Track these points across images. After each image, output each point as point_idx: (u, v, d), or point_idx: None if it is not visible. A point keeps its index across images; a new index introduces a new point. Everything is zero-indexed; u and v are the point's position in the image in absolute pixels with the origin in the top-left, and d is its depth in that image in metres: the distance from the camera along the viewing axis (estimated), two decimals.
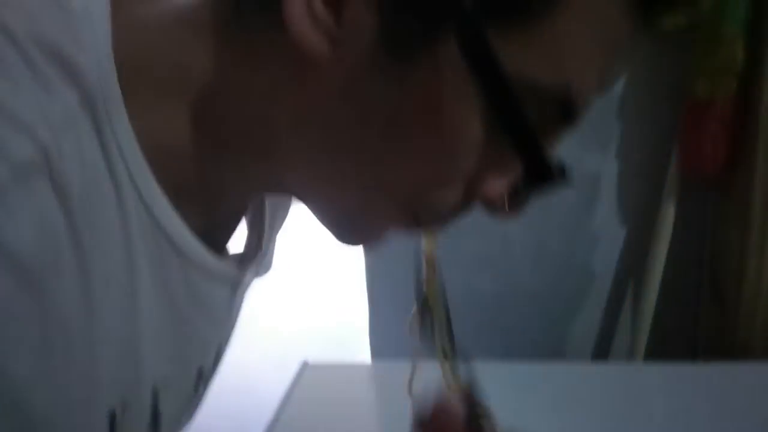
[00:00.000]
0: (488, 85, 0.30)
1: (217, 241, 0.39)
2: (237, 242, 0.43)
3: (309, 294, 2.66)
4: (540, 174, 0.33)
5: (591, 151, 1.18)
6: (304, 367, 0.96)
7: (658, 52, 1.07)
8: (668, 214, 1.13)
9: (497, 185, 0.35)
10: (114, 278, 0.30)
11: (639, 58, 1.09)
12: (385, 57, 0.30)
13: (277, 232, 0.47)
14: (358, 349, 1.46)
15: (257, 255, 0.42)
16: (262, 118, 0.34)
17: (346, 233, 0.39)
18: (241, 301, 0.43)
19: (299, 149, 0.35)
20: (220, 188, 0.37)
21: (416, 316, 0.43)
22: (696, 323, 1.20)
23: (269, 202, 0.44)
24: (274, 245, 0.46)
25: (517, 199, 0.35)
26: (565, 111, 0.33)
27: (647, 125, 1.17)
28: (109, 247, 0.30)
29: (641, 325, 1.16)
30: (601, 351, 1.27)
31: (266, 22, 0.32)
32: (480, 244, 1.17)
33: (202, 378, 0.42)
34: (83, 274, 0.28)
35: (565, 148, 0.37)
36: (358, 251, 1.20)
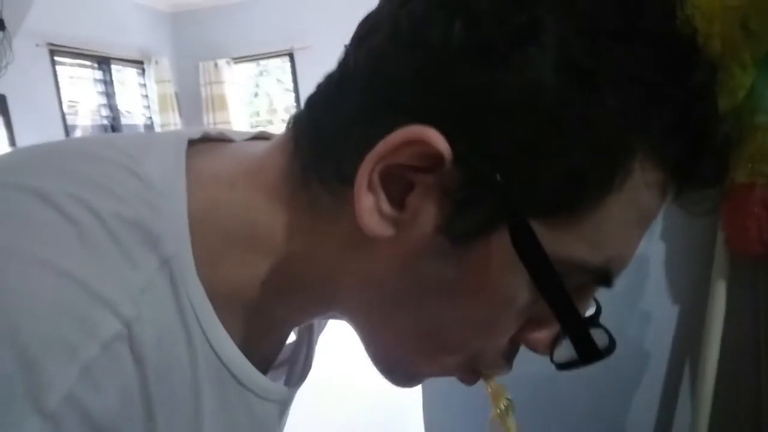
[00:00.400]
0: (535, 271, 0.32)
1: (268, 353, 0.42)
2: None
3: (364, 376, 2.66)
4: (583, 351, 0.34)
5: None
6: None
7: None
8: (720, 293, 1.14)
9: (542, 335, 0.37)
10: (181, 420, 0.33)
11: None
12: (442, 240, 0.32)
13: (321, 331, 0.49)
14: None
15: (304, 370, 0.45)
16: (324, 277, 0.36)
17: (392, 377, 0.41)
18: (287, 409, 0.45)
19: (358, 306, 0.37)
20: (279, 322, 0.40)
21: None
22: (759, 400, 1.18)
23: None
24: (316, 343, 0.48)
25: (561, 351, 0.36)
26: (603, 279, 0.35)
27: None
28: (179, 393, 0.32)
29: (702, 405, 1.14)
30: None
31: (333, 198, 0.34)
32: None
33: None
34: (151, 429, 0.30)
35: None
36: None
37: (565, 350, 0.36)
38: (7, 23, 3.71)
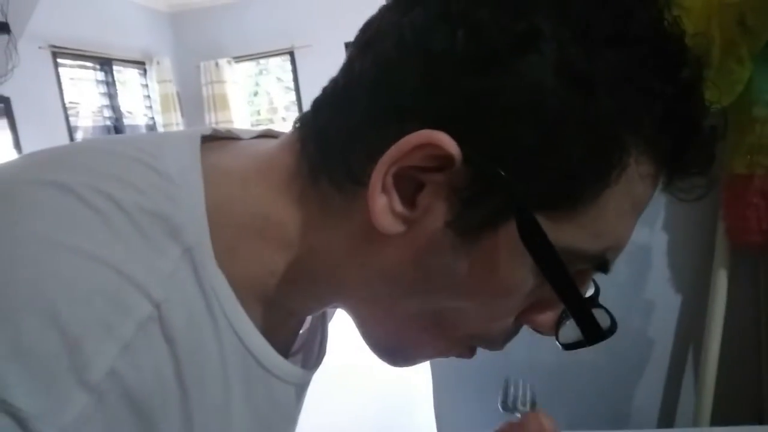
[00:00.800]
0: (541, 259, 0.34)
1: (284, 342, 0.43)
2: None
3: (375, 370, 2.69)
4: (589, 332, 0.36)
5: (639, 224, 1.23)
6: None
7: None
8: (721, 281, 1.16)
9: (547, 317, 0.39)
10: (212, 403, 0.34)
11: None
12: (452, 234, 0.34)
13: (331, 319, 0.51)
14: (424, 423, 1.48)
15: (319, 354, 0.47)
16: (336, 269, 0.37)
17: (390, 359, 0.42)
18: (304, 393, 0.47)
19: (368, 296, 0.39)
20: (292, 312, 0.42)
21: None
22: (760, 385, 1.20)
23: None
24: (327, 330, 0.50)
25: (565, 330, 0.39)
26: (601, 265, 0.37)
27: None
28: (209, 376, 0.33)
29: (704, 389, 1.17)
30: (666, 418, 1.28)
31: (344, 195, 0.36)
32: None
33: None
34: (185, 408, 0.32)
35: None
36: None
37: (570, 331, 0.38)
38: (11, 27, 3.73)
